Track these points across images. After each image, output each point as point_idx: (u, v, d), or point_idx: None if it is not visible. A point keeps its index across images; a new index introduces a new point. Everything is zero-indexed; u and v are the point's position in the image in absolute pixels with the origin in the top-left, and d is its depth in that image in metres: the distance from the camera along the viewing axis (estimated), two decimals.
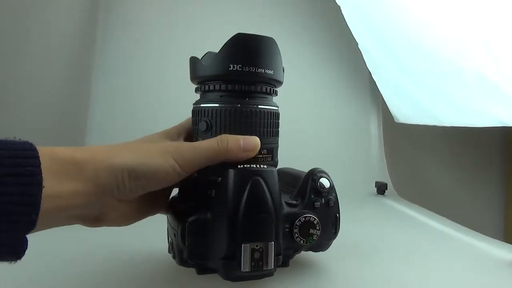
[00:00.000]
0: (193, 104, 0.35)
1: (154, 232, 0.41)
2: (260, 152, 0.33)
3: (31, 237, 0.24)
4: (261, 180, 0.31)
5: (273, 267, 0.31)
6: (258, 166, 0.32)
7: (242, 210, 0.30)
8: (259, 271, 0.30)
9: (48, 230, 0.26)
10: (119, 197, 0.29)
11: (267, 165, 0.32)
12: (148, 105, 0.82)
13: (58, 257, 0.42)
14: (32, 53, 0.76)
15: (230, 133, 0.33)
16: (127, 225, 0.33)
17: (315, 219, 0.34)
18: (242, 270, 0.30)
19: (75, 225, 0.30)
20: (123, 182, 0.28)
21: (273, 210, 0.31)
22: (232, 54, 0.32)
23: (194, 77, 0.35)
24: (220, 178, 0.31)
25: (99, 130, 0.80)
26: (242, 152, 0.32)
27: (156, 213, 0.36)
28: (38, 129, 0.72)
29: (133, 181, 0.29)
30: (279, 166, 0.36)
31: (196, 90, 0.35)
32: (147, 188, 0.30)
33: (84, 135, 0.79)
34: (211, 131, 0.33)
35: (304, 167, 0.39)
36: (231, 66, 0.32)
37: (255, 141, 0.32)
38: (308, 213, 0.34)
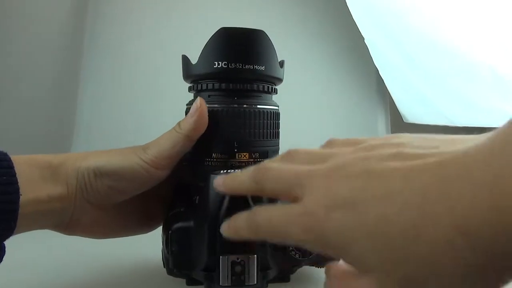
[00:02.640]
0: (186, 104, 0.35)
1: (151, 240, 0.40)
2: (251, 156, 0.32)
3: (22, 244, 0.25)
4: None
5: (256, 282, 0.30)
6: None
7: (222, 218, 0.29)
8: (240, 285, 0.29)
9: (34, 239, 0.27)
10: (92, 199, 0.30)
11: None
12: (138, 107, 0.81)
13: (46, 266, 0.42)
14: (17, 53, 0.76)
15: (218, 135, 0.32)
16: (106, 237, 0.33)
17: None
18: (221, 284, 0.29)
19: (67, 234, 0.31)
20: (89, 181, 0.30)
21: None
22: (215, 50, 0.31)
23: (185, 76, 0.34)
24: (203, 184, 0.31)
25: (87, 134, 0.79)
26: (190, 118, 0.31)
27: (151, 229, 0.35)
28: (25, 135, 0.73)
29: (99, 180, 0.30)
30: None
31: (189, 89, 0.35)
32: (116, 187, 0.30)
33: (71, 141, 0.78)
34: None
35: None
36: (216, 63, 0.31)
37: (196, 101, 0.31)
38: None
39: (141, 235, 0.35)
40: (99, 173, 0.30)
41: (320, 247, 0.19)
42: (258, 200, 0.28)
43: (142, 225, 0.35)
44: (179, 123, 0.31)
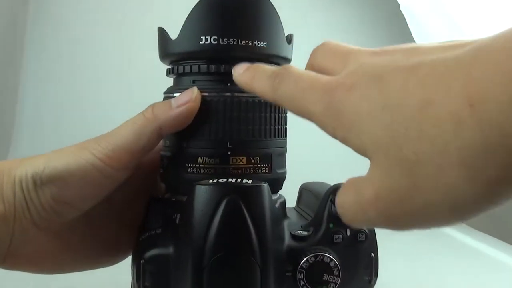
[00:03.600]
0: (164, 93, 0.31)
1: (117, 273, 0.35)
2: (249, 161, 0.28)
3: None
4: (240, 201, 0.26)
5: None
6: (239, 180, 0.27)
7: (210, 247, 0.26)
8: None
9: None
10: (36, 219, 0.26)
11: (256, 179, 0.27)
12: (84, 105, 0.76)
13: None
14: None
15: (205, 132, 0.28)
16: (57, 272, 0.29)
17: (331, 259, 0.29)
18: None
19: None
20: (29, 194, 0.26)
21: (258, 247, 0.26)
22: (202, 21, 0.28)
23: (162, 55, 0.31)
24: (186, 198, 0.27)
25: (29, 135, 0.76)
26: (174, 109, 0.27)
27: (118, 260, 0.32)
28: None
29: (40, 190, 0.26)
30: (299, 178, 0.32)
31: (168, 72, 0.31)
32: (62, 198, 0.26)
33: (8, 144, 0.75)
34: (181, 131, 0.29)
35: (330, 179, 0.34)
36: (203, 38, 0.28)
37: (191, 91, 0.27)
38: (322, 250, 0.29)
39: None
40: (39, 181, 0.25)
41: (332, 122, 0.20)
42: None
43: (106, 255, 0.31)
44: (152, 107, 0.27)
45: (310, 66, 0.23)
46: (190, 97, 0.27)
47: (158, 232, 0.29)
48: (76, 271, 0.30)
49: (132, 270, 0.29)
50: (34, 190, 0.26)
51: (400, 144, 0.17)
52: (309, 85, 0.21)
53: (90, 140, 0.27)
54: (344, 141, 0.20)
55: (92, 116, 0.73)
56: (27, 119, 0.77)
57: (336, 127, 0.20)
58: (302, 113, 0.21)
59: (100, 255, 0.30)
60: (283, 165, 0.31)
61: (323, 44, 0.23)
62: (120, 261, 0.32)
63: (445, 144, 0.16)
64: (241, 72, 0.25)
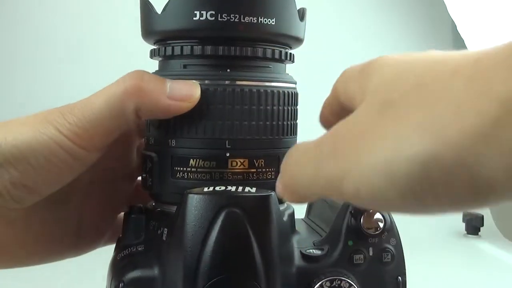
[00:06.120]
0: None
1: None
2: (251, 164, 0.28)
3: None
4: (241, 214, 0.25)
5: None
6: (240, 188, 0.26)
7: (205, 270, 0.25)
8: None
9: None
10: None
11: (260, 187, 0.27)
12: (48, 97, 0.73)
13: None
14: None
15: (199, 130, 0.27)
16: (12, 266, 0.29)
17: (350, 284, 0.28)
18: None
19: None
20: None
21: (263, 270, 0.25)
22: None
23: (145, 32, 0.30)
24: (175, 209, 0.26)
25: None
26: (167, 99, 0.26)
27: (84, 251, 0.31)
28: None
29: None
30: None
31: (152, 54, 0.30)
32: (21, 182, 0.25)
33: None
34: (167, 128, 0.28)
35: None
36: (197, 14, 0.27)
37: (191, 86, 0.26)
38: (339, 273, 0.28)
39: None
40: None
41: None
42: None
43: (69, 245, 0.30)
44: (138, 78, 0.26)
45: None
46: (190, 94, 0.26)
47: (140, 249, 0.28)
48: (34, 265, 0.29)
49: None
50: None
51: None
52: None
53: (54, 111, 0.26)
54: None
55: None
56: None
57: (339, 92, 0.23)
58: None
59: (62, 245, 0.30)
60: None
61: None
62: (84, 253, 0.31)
63: None
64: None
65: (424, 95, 0.16)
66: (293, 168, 0.22)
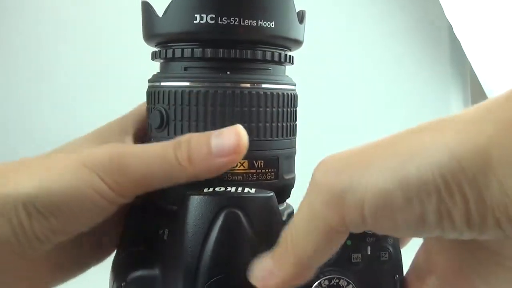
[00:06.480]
0: (148, 81, 0.30)
1: None
2: (252, 165, 0.28)
3: None
4: (241, 214, 0.25)
5: None
6: (240, 189, 0.26)
7: (204, 270, 0.25)
8: None
9: None
10: (23, 252, 0.24)
11: (260, 187, 0.27)
12: (54, 105, 0.73)
13: None
14: None
15: (199, 130, 0.27)
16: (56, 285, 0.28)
17: (349, 283, 0.28)
18: None
19: None
20: (21, 226, 0.24)
21: None
22: None
23: (146, 35, 0.30)
24: (176, 209, 0.26)
25: None
26: (213, 158, 0.25)
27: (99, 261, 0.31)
28: None
29: (37, 222, 0.24)
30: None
31: (153, 56, 0.30)
32: (64, 231, 0.25)
33: None
34: (167, 128, 0.28)
35: None
36: (197, 17, 0.27)
37: (237, 133, 0.25)
38: (337, 272, 0.28)
39: None
40: (35, 211, 0.24)
41: None
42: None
43: (90, 261, 0.30)
44: (183, 142, 0.25)
45: None
46: (237, 145, 0.25)
47: (141, 249, 0.28)
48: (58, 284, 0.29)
49: None
50: (29, 221, 0.24)
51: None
52: None
53: (97, 160, 0.25)
54: None
55: (62, 116, 0.72)
56: None
57: None
58: None
59: (82, 264, 0.30)
60: (291, 169, 0.30)
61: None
62: (105, 259, 0.31)
63: None
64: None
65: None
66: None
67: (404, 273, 0.30)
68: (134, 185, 0.25)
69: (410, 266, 0.30)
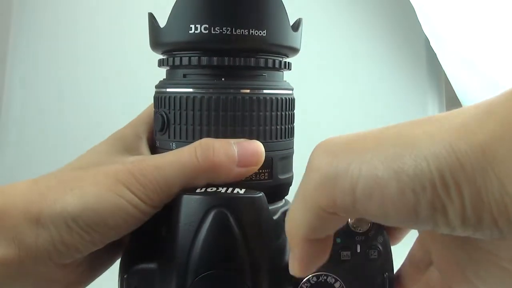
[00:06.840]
0: (155, 87, 0.31)
1: None
2: None
3: None
4: (229, 214, 0.25)
5: None
6: (230, 190, 0.26)
7: (193, 265, 0.25)
8: None
9: None
10: (60, 260, 0.26)
11: (253, 188, 0.27)
12: (73, 108, 0.75)
13: None
14: None
15: (195, 133, 0.28)
16: None
17: (336, 280, 0.28)
18: None
19: None
20: (62, 241, 0.25)
21: (248, 264, 0.26)
22: (191, 7, 0.28)
23: (152, 44, 0.31)
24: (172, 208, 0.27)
25: (14, 137, 0.75)
26: (236, 167, 0.26)
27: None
28: None
29: (79, 237, 0.25)
30: None
31: (160, 63, 0.31)
32: (102, 242, 0.26)
33: None
34: (168, 132, 0.29)
35: None
36: (192, 27, 0.27)
37: (256, 147, 0.27)
38: (326, 268, 0.28)
39: None
40: (79, 228, 0.25)
41: None
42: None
43: (111, 258, 0.31)
44: (203, 146, 0.27)
45: None
46: (257, 158, 0.27)
47: (144, 244, 0.28)
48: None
49: (118, 282, 0.28)
50: (71, 236, 0.25)
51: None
52: None
53: (121, 170, 0.26)
54: None
55: (80, 118, 0.74)
56: (13, 122, 0.78)
57: None
58: None
59: (107, 264, 0.31)
60: (288, 169, 0.30)
61: None
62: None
63: None
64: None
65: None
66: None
67: (395, 270, 0.30)
68: (161, 193, 0.26)
69: (407, 257, 0.29)
